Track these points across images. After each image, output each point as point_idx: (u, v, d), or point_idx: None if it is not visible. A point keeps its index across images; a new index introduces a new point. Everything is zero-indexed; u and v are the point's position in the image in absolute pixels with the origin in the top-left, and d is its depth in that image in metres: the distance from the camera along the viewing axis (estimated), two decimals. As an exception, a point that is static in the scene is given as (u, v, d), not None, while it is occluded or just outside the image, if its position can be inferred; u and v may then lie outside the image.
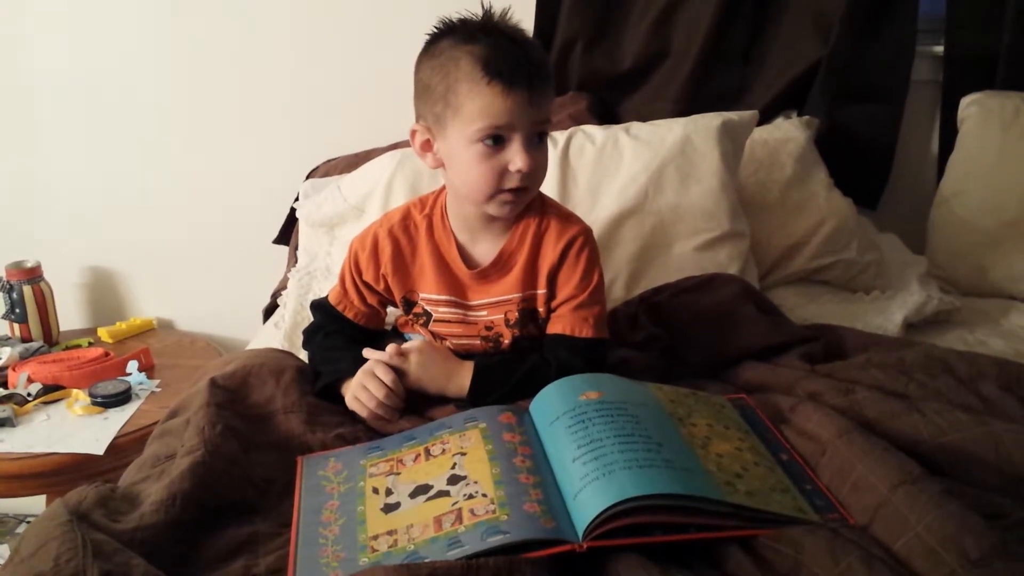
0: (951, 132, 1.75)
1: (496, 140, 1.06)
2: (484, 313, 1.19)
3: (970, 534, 0.74)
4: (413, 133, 1.15)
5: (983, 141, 1.68)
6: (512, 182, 1.08)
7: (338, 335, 1.23)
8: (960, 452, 0.94)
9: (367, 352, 1.14)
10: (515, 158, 1.07)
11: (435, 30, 1.12)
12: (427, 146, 1.14)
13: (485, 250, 1.18)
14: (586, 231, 1.18)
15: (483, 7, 1.10)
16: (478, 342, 1.20)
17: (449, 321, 1.20)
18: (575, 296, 1.16)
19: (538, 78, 1.07)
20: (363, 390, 1.09)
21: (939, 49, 1.82)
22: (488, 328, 1.19)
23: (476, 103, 1.05)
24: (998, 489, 0.89)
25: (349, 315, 1.24)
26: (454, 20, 1.11)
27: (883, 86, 1.82)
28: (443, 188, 1.21)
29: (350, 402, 1.11)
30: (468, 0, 1.13)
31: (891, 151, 1.86)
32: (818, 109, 1.78)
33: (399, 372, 1.11)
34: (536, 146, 1.09)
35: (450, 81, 1.06)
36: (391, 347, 1.13)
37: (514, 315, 1.18)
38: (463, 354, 1.19)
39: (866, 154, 1.85)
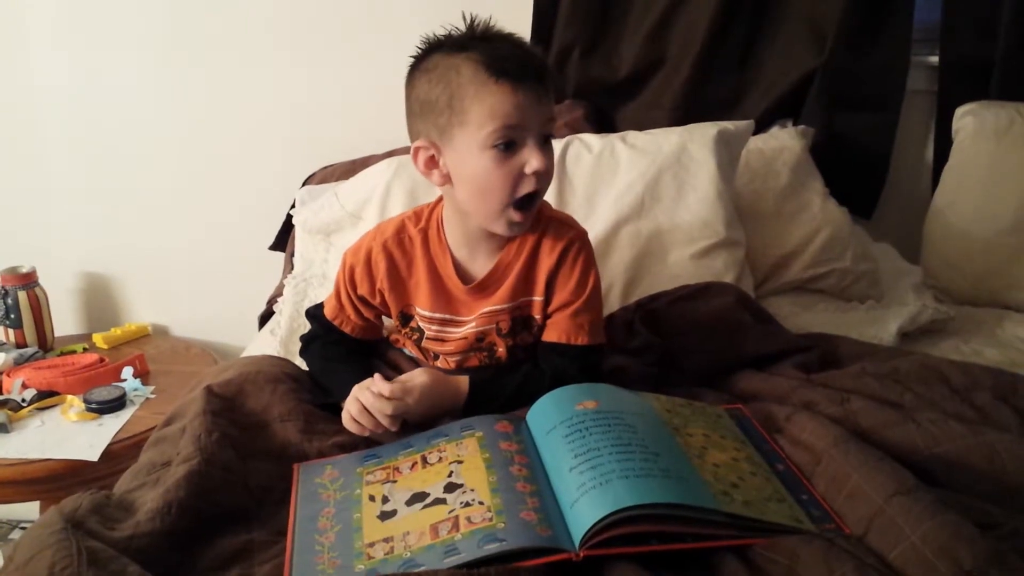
0: (946, 142, 1.76)
1: (508, 146, 1.04)
2: (473, 325, 1.16)
3: (965, 544, 0.74)
4: (416, 151, 1.10)
5: (978, 151, 1.68)
6: (528, 186, 1.06)
7: (336, 346, 1.22)
8: (955, 462, 0.94)
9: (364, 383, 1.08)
10: (531, 159, 1.04)
11: (419, 49, 1.09)
12: (432, 163, 1.09)
13: (482, 265, 1.16)
14: (582, 236, 1.17)
15: (464, 19, 1.07)
16: (472, 354, 1.19)
17: (442, 339, 1.18)
18: (571, 302, 1.14)
19: (544, 73, 1.05)
20: (355, 420, 1.06)
21: (934, 59, 1.83)
22: (480, 339, 1.17)
23: (485, 105, 1.02)
24: (992, 499, 0.89)
25: (346, 329, 1.22)
26: (439, 36, 1.08)
27: (878, 96, 1.83)
28: (439, 200, 1.18)
29: (348, 423, 1.08)
30: (463, 4, 1.10)
31: (886, 160, 1.86)
32: (813, 118, 1.79)
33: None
34: (545, 148, 1.07)
35: (453, 89, 1.03)
36: (383, 388, 1.06)
37: (506, 324, 1.16)
38: (457, 370, 1.18)
39: (861, 163, 1.86)
